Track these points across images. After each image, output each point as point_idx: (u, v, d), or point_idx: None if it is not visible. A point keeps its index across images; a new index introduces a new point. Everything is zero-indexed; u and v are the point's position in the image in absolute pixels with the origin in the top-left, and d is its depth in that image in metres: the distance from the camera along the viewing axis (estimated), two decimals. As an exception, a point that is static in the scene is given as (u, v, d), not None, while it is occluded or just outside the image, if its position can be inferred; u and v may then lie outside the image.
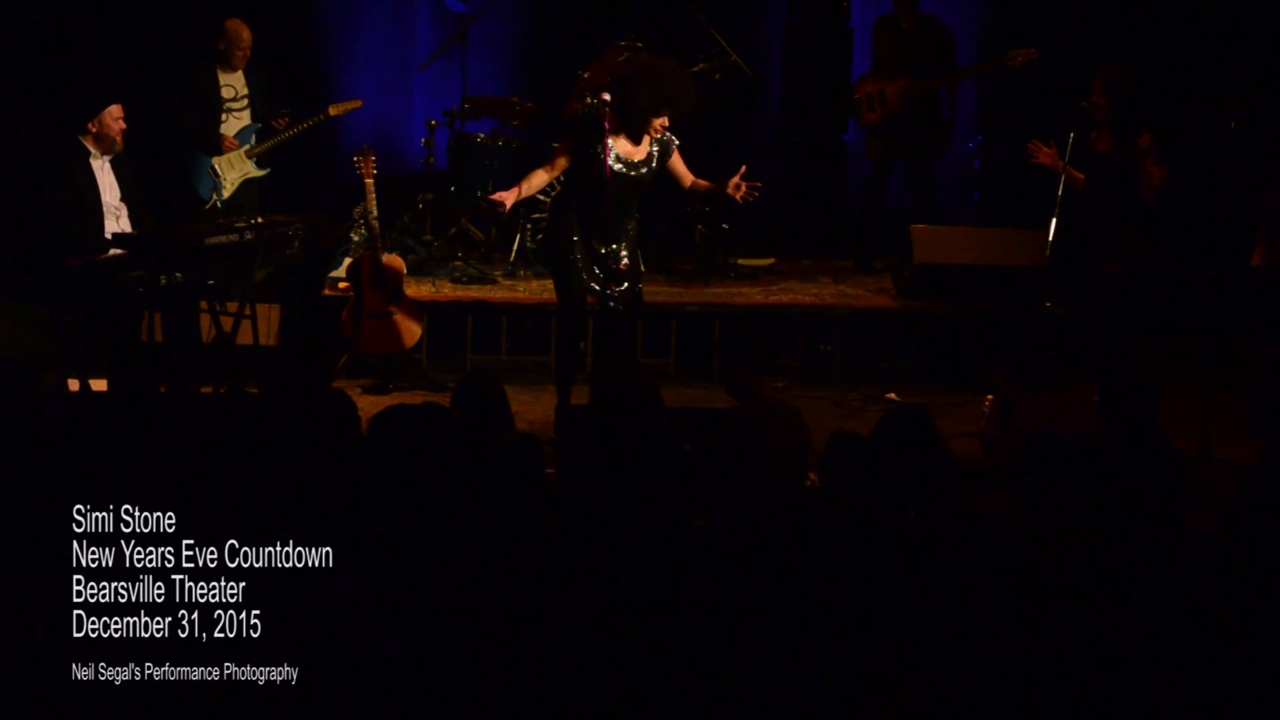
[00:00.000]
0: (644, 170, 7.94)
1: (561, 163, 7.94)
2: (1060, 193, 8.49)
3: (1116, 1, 11.37)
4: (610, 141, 7.83)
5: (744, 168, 7.98)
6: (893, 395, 9.33)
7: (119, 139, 8.51)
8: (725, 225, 10.89)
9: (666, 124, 7.86)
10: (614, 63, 10.20)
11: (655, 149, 7.95)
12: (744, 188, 7.95)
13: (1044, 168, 8.67)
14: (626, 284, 8.02)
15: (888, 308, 10.11)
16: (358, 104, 10.27)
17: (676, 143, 8.02)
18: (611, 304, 8.01)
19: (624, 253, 7.99)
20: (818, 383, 9.69)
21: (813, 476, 6.09)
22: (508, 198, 7.86)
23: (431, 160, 10.84)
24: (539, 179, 7.96)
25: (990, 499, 6.08)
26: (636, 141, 7.90)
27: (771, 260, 11.14)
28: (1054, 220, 8.50)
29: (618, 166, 7.83)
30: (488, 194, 8.20)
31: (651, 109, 7.79)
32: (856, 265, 11.01)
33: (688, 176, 8.13)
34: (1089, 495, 4.99)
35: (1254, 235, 8.75)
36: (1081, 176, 8.60)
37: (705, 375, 9.46)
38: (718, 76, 10.95)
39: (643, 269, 8.48)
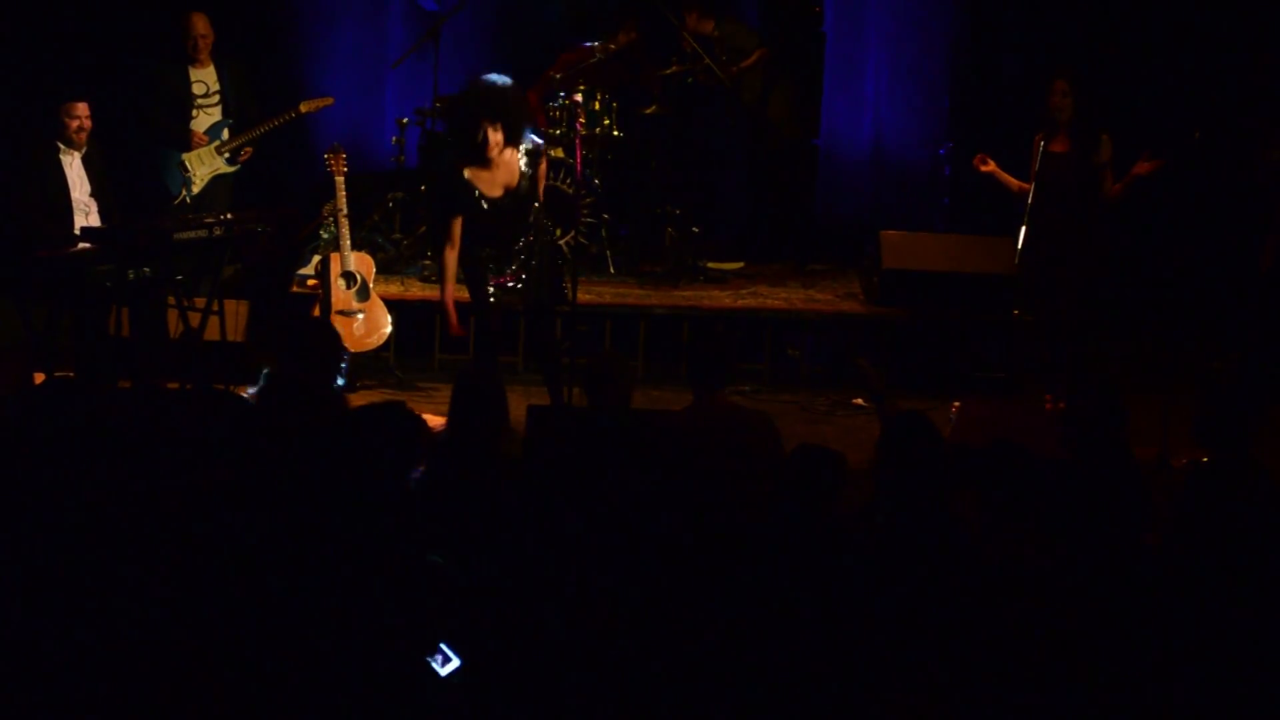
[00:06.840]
0: (519, 190, 8.00)
1: (456, 228, 7.98)
2: (1030, 200, 8.54)
3: (1085, 9, 11.41)
4: (470, 179, 7.94)
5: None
6: (860, 400, 9.32)
7: (76, 137, 8.50)
8: (695, 229, 10.90)
9: (501, 140, 7.87)
10: (570, 61, 10.30)
11: (522, 160, 8.02)
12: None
13: (994, 177, 8.80)
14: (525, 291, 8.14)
15: (856, 313, 10.13)
16: (329, 101, 10.23)
17: (542, 146, 8.22)
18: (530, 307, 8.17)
19: (517, 266, 8.11)
20: (785, 387, 9.71)
21: None
22: (454, 318, 8.04)
23: (402, 159, 10.84)
24: (452, 261, 8.02)
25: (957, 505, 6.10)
26: (493, 165, 7.95)
27: (740, 264, 11.15)
28: (1023, 228, 8.54)
29: (493, 196, 7.96)
30: None
31: (477, 122, 7.83)
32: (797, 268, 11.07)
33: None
34: (1053, 504, 5.02)
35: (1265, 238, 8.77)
36: (1019, 184, 8.68)
37: (674, 377, 9.45)
38: (690, 80, 10.97)
39: (561, 264, 8.62)
